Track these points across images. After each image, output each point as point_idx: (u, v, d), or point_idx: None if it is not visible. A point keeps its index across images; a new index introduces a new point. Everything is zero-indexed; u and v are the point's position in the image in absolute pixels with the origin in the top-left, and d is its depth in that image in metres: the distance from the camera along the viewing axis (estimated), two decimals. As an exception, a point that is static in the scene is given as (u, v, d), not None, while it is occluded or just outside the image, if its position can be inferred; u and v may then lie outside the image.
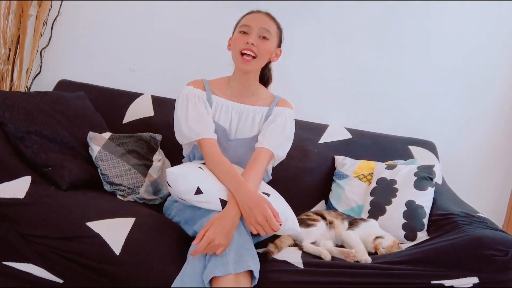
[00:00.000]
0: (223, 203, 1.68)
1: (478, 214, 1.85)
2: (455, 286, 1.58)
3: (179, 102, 1.97)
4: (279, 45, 2.05)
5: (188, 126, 1.92)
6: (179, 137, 1.97)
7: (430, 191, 2.04)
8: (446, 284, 1.58)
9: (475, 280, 1.58)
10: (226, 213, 1.65)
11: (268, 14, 2.03)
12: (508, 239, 1.60)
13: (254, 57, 1.93)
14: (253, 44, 1.92)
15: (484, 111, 2.66)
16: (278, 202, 1.76)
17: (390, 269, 1.61)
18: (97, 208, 1.78)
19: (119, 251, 1.62)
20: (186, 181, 1.71)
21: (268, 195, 1.77)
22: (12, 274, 1.66)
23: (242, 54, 1.93)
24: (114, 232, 1.67)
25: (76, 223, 1.68)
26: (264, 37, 1.95)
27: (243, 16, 2.03)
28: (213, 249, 1.56)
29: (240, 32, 1.96)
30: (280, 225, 1.65)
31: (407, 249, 1.76)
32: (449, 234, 1.71)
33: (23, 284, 1.67)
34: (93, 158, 2.10)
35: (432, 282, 1.58)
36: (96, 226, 1.67)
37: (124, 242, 1.64)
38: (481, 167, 2.68)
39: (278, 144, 1.96)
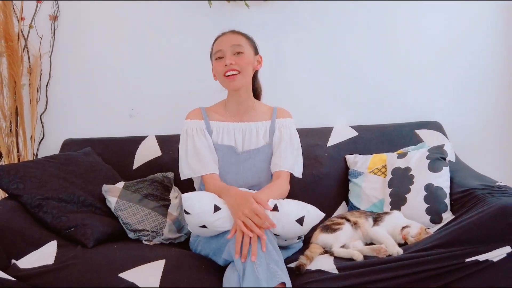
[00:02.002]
0: None
1: (497, 184, 1.86)
2: (489, 259, 1.59)
3: (181, 139, 2.10)
4: (256, 53, 2.13)
5: (188, 164, 2.03)
6: (180, 173, 2.07)
7: (445, 171, 2.05)
8: (480, 259, 1.60)
9: (508, 249, 1.60)
10: (228, 199, 1.79)
11: (233, 31, 2.13)
12: (532, 202, 1.61)
13: (238, 73, 2.00)
14: (231, 64, 1.99)
15: (483, 82, 2.68)
16: (290, 202, 1.82)
17: (423, 256, 1.63)
18: (126, 258, 1.81)
19: (156, 295, 1.64)
20: (202, 203, 1.77)
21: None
22: None
23: (227, 75, 2.00)
24: (147, 278, 1.69)
25: (110, 278, 1.70)
26: (239, 52, 2.03)
27: (213, 43, 2.14)
28: (249, 229, 1.67)
29: (216, 59, 2.06)
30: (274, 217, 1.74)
31: (435, 233, 1.77)
32: (473, 210, 1.72)
33: None
34: (112, 210, 2.14)
35: (467, 260, 1.60)
36: (129, 275, 1.70)
37: (159, 286, 1.66)
38: (490, 136, 2.69)
39: (294, 162, 2.07)
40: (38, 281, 1.70)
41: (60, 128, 2.73)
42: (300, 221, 1.76)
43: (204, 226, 1.78)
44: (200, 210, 1.75)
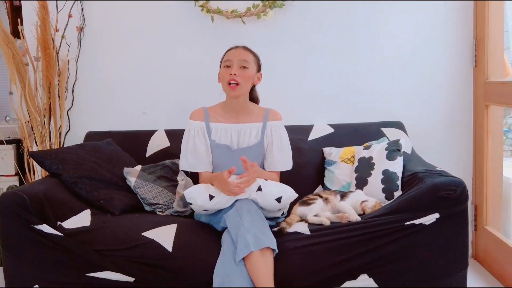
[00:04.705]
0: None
1: (436, 169, 2.38)
2: (423, 223, 2.11)
3: (184, 134, 2.55)
4: (258, 70, 2.57)
5: (186, 159, 2.50)
6: (180, 165, 2.55)
7: (399, 160, 2.56)
8: (416, 223, 2.11)
9: (437, 215, 2.12)
10: (216, 184, 2.31)
11: (245, 47, 2.55)
12: (455, 181, 2.14)
13: (237, 84, 2.44)
14: (235, 74, 2.42)
15: (440, 87, 3.16)
16: (272, 183, 2.34)
17: (373, 221, 2.14)
18: (146, 222, 2.32)
19: (171, 248, 2.15)
20: (201, 196, 2.27)
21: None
22: (94, 282, 2.18)
23: (229, 83, 2.44)
24: (164, 236, 2.20)
25: (135, 235, 2.21)
26: (244, 67, 2.45)
27: (225, 53, 2.55)
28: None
29: (225, 66, 2.48)
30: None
31: (386, 205, 2.29)
32: (415, 187, 2.24)
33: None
34: (132, 188, 2.64)
35: (406, 223, 2.12)
36: (150, 234, 2.21)
37: (173, 241, 2.17)
38: (444, 134, 3.15)
39: (284, 161, 2.56)
40: (80, 237, 2.20)
41: (84, 122, 3.18)
42: (279, 199, 2.28)
43: (205, 210, 2.29)
44: (200, 201, 2.26)
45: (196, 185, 2.39)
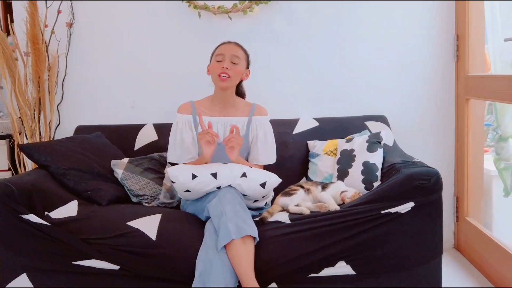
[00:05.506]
0: (214, 175, 2.29)
1: (414, 160, 2.44)
2: (398, 211, 2.18)
3: (172, 128, 2.62)
4: (247, 67, 2.64)
5: (174, 152, 2.58)
6: (168, 157, 2.62)
7: (379, 152, 2.63)
8: (392, 211, 2.18)
9: (412, 204, 2.18)
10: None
11: (237, 43, 2.64)
12: (430, 171, 2.21)
13: (228, 77, 2.52)
14: (227, 68, 2.50)
15: (422, 81, 3.23)
16: (256, 170, 2.41)
17: (350, 210, 2.21)
18: (132, 212, 2.38)
19: (155, 237, 2.21)
20: (183, 174, 2.31)
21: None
22: (81, 270, 2.24)
23: (220, 75, 2.51)
24: (148, 225, 2.26)
25: (120, 225, 2.27)
26: (235, 62, 2.54)
27: (217, 47, 2.63)
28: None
29: (216, 60, 2.55)
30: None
31: (364, 194, 2.35)
32: (392, 178, 2.30)
33: (89, 276, 2.25)
34: (119, 179, 2.70)
35: (382, 212, 2.18)
36: (134, 223, 2.27)
37: (157, 230, 2.23)
38: (425, 127, 3.22)
39: (268, 155, 2.64)
40: (67, 226, 2.25)
41: (74, 116, 3.25)
42: (263, 185, 2.34)
43: (188, 191, 2.34)
44: (182, 179, 2.30)
45: (180, 165, 2.47)
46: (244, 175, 2.33)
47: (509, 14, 2.93)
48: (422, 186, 2.16)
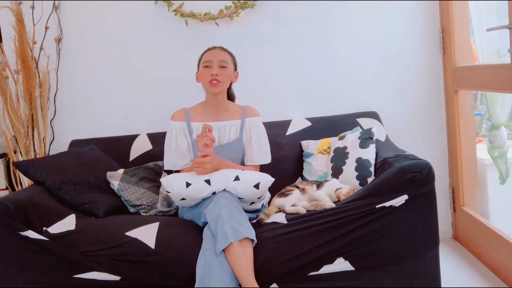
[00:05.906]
0: (208, 182, 2.32)
1: (405, 153, 2.46)
2: (393, 205, 2.20)
3: (167, 135, 2.65)
4: (235, 69, 2.67)
5: (170, 157, 2.61)
6: (164, 164, 2.66)
7: (372, 147, 2.65)
8: (386, 205, 2.19)
9: (405, 197, 2.19)
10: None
11: (222, 48, 2.67)
12: (421, 163, 2.23)
13: (219, 82, 2.55)
14: (217, 74, 2.54)
15: (411, 75, 3.25)
16: (248, 172, 2.43)
17: (345, 206, 2.23)
18: (129, 222, 2.40)
19: (154, 245, 2.23)
20: (177, 183, 2.34)
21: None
22: (82, 283, 2.25)
23: (211, 81, 2.54)
24: (146, 234, 2.28)
25: (118, 235, 2.28)
26: (223, 66, 2.58)
27: (203, 53, 2.66)
28: (202, 167, 2.36)
29: (205, 67, 2.59)
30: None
31: (358, 190, 2.37)
32: (385, 172, 2.32)
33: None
34: (116, 191, 2.71)
35: (377, 206, 2.19)
36: (133, 233, 2.29)
37: (156, 238, 2.25)
38: (416, 122, 3.25)
39: (262, 156, 2.67)
40: (65, 240, 2.27)
41: (67, 131, 3.26)
42: (257, 186, 2.36)
43: (183, 199, 2.37)
44: (177, 188, 2.33)
45: (173, 174, 2.50)
46: (237, 178, 2.35)
47: (493, 4, 2.96)
48: (414, 178, 2.18)
